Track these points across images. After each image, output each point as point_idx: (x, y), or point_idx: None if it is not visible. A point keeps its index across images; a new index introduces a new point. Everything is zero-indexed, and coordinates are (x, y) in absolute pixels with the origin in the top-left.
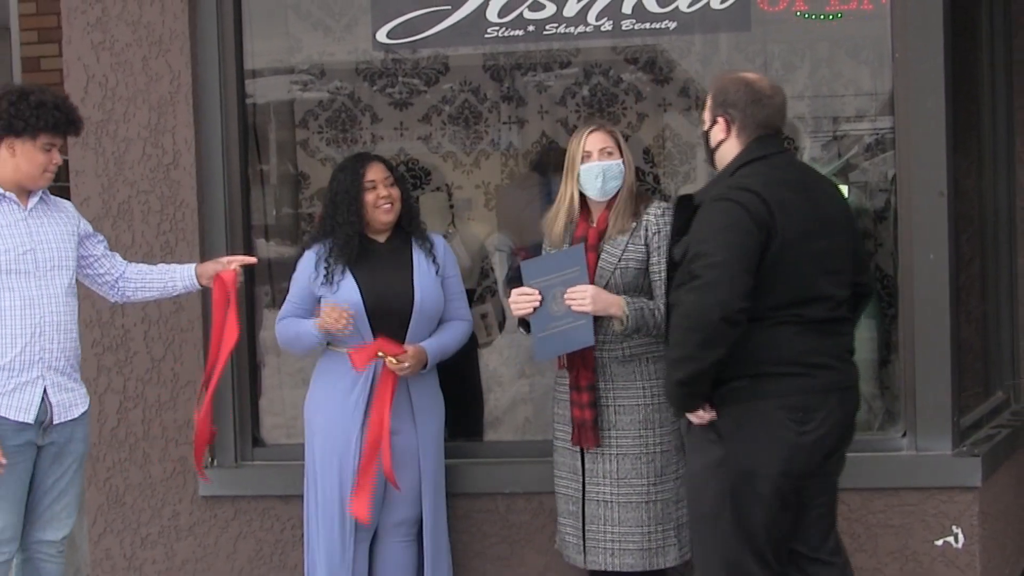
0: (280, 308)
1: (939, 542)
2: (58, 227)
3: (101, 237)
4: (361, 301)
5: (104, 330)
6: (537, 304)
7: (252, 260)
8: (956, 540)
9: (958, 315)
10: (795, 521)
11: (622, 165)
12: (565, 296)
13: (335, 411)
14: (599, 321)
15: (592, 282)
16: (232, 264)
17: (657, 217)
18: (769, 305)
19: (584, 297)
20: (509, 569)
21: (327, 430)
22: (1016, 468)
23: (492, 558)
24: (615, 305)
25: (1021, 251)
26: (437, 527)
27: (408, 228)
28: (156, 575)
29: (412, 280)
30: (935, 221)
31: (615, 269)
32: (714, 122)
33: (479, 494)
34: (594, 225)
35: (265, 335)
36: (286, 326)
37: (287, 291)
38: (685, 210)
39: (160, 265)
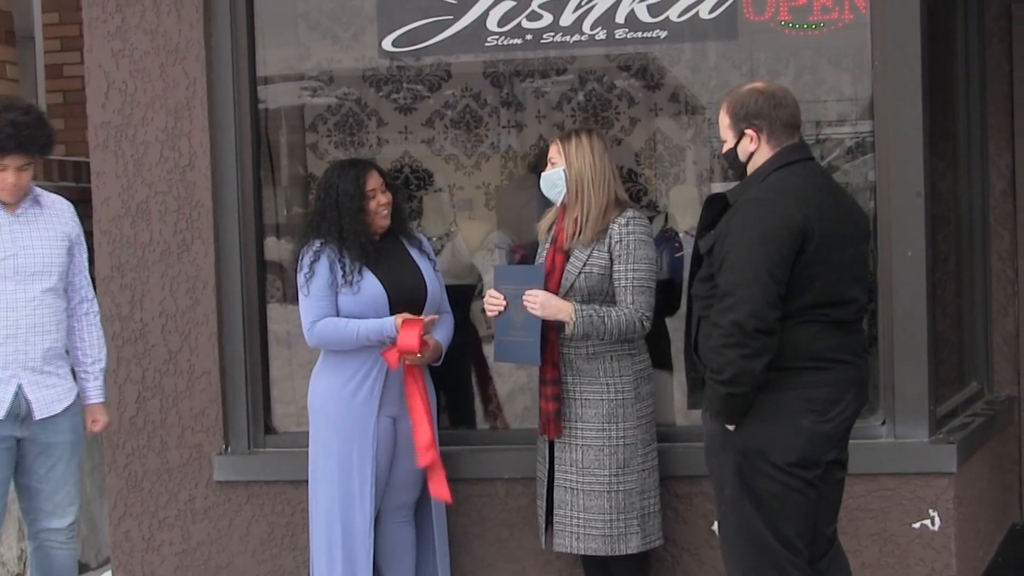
0: (291, 305)
1: (916, 525)
2: (46, 231)
3: (83, 262)
4: (386, 297)
5: (124, 324)
6: (502, 309)
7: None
8: (933, 523)
9: (934, 309)
10: (818, 504)
11: (560, 172)
12: (523, 297)
13: (348, 402)
14: (555, 324)
15: (559, 283)
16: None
17: (621, 227)
18: (800, 306)
19: (535, 300)
20: (508, 551)
21: (341, 420)
22: (989, 455)
23: (492, 540)
24: (563, 311)
25: (994, 249)
26: (438, 508)
27: (399, 229)
28: (173, 556)
29: (422, 274)
30: (913, 220)
31: (579, 274)
32: (741, 136)
33: (479, 479)
34: (566, 227)
35: (276, 328)
36: (333, 326)
37: (293, 288)
38: (714, 207)
39: (92, 356)
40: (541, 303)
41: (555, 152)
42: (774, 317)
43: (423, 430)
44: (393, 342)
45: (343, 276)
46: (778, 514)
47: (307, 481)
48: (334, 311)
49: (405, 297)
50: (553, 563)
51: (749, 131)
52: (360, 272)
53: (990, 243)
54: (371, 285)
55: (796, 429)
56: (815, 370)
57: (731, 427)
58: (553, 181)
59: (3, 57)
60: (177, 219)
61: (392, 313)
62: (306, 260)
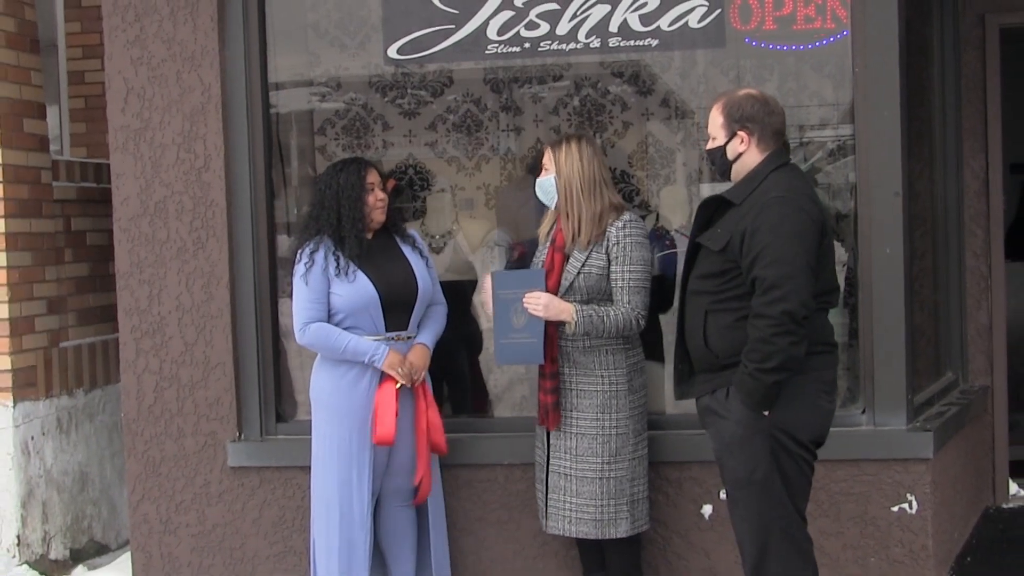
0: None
1: (895, 508)
2: None
3: None
4: (377, 294)
5: (142, 317)
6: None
7: None
8: (910, 507)
9: (912, 303)
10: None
11: (551, 179)
12: (524, 299)
13: (348, 392)
14: (556, 322)
15: (559, 282)
16: None
17: (618, 230)
18: (815, 293)
19: (538, 303)
20: (507, 533)
21: (340, 410)
22: (964, 442)
23: (492, 523)
24: (565, 312)
25: (969, 246)
26: (435, 491)
27: (392, 228)
28: (189, 538)
29: (413, 272)
30: (891, 219)
31: (578, 274)
32: (732, 136)
33: (480, 465)
34: (564, 229)
35: (286, 321)
36: (325, 334)
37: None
38: (709, 207)
39: None
40: (544, 304)
41: (547, 159)
42: (812, 305)
43: (423, 462)
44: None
45: (336, 268)
46: (797, 490)
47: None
48: (326, 314)
49: (395, 295)
50: (550, 544)
51: (742, 132)
52: (354, 267)
53: (965, 241)
54: (362, 283)
55: (816, 409)
56: (825, 354)
57: (767, 413)
58: (545, 188)
59: (28, 64)
60: (193, 218)
61: (384, 310)
62: (306, 251)
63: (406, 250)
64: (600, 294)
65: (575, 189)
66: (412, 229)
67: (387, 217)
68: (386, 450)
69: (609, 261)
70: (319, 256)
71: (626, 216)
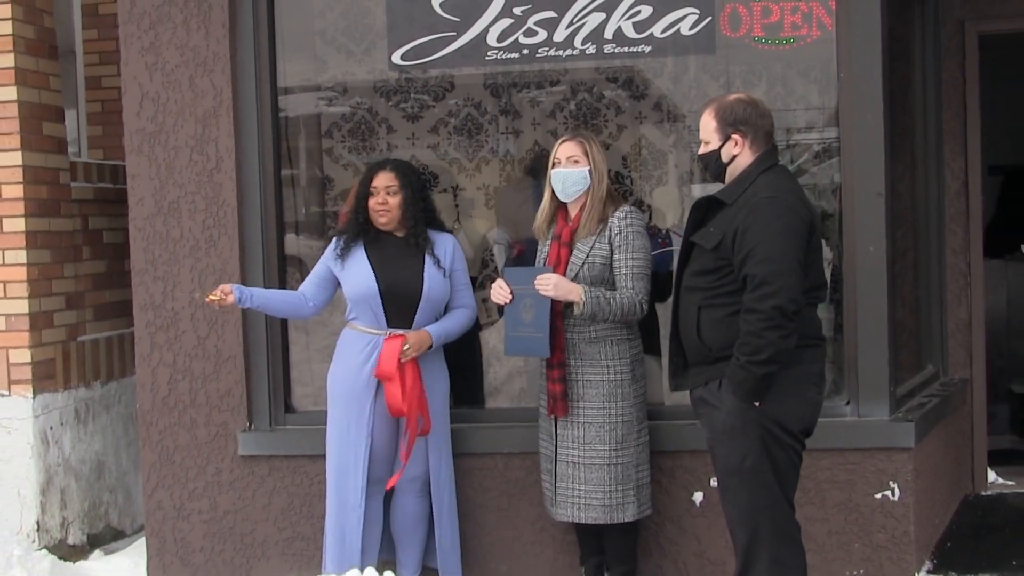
0: None
1: (878, 496)
2: None
3: None
4: (376, 285)
5: (156, 312)
6: (508, 300)
7: None
8: (893, 494)
9: (894, 299)
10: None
11: (585, 172)
12: (535, 281)
13: (351, 382)
14: (564, 305)
15: (564, 274)
16: None
17: (620, 220)
18: (804, 289)
19: (548, 283)
20: (507, 519)
21: (345, 398)
22: (944, 432)
23: (493, 509)
24: (574, 292)
25: (949, 244)
26: (443, 482)
27: (412, 230)
28: (201, 524)
29: (422, 272)
30: (874, 219)
31: (583, 264)
32: (726, 140)
33: (481, 454)
34: (569, 223)
35: None
36: None
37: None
38: (701, 208)
39: None
40: (554, 284)
41: (579, 151)
42: (801, 301)
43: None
44: None
45: (337, 256)
46: (785, 478)
47: (325, 455)
48: (316, 292)
49: (396, 291)
50: (548, 530)
51: (736, 136)
52: (358, 257)
53: (945, 239)
54: (365, 275)
55: (805, 401)
56: (813, 347)
57: (757, 403)
58: (576, 179)
59: (46, 70)
60: (205, 217)
61: (384, 304)
62: (335, 238)
63: (427, 255)
64: (604, 284)
65: (605, 179)
66: (447, 233)
67: (406, 218)
68: (387, 438)
69: (612, 250)
70: (333, 243)
71: (626, 207)
